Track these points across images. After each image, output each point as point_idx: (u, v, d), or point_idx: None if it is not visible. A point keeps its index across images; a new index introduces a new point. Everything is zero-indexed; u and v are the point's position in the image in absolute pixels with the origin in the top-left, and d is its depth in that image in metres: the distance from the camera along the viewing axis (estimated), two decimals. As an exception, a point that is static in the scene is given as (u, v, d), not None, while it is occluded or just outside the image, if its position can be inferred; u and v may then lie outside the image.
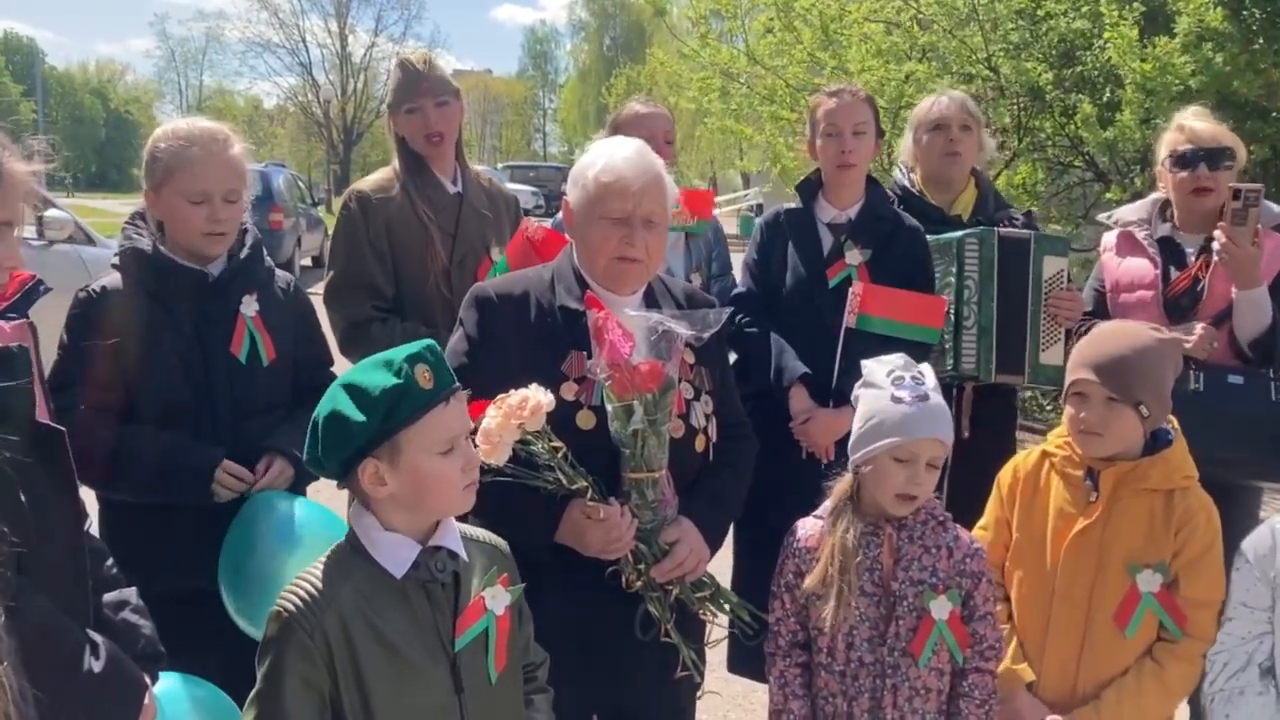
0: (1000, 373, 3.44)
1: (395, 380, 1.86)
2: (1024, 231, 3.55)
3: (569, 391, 2.39)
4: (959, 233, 3.49)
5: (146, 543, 2.55)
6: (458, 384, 1.97)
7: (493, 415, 2.18)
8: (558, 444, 2.28)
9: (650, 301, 2.56)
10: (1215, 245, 3.20)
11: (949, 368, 3.40)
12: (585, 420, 2.39)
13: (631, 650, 2.42)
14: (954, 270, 3.46)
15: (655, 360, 2.31)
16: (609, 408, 2.33)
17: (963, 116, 3.67)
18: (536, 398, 2.20)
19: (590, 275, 2.51)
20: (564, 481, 2.29)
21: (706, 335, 2.41)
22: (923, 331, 3.29)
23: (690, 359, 2.49)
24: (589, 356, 2.41)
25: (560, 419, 2.27)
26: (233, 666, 2.38)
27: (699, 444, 2.52)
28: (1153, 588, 2.47)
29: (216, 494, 2.64)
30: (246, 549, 2.56)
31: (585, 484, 2.32)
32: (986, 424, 3.56)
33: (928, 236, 3.51)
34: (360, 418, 1.86)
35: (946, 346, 3.44)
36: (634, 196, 2.42)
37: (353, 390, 1.89)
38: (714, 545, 2.51)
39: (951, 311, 3.43)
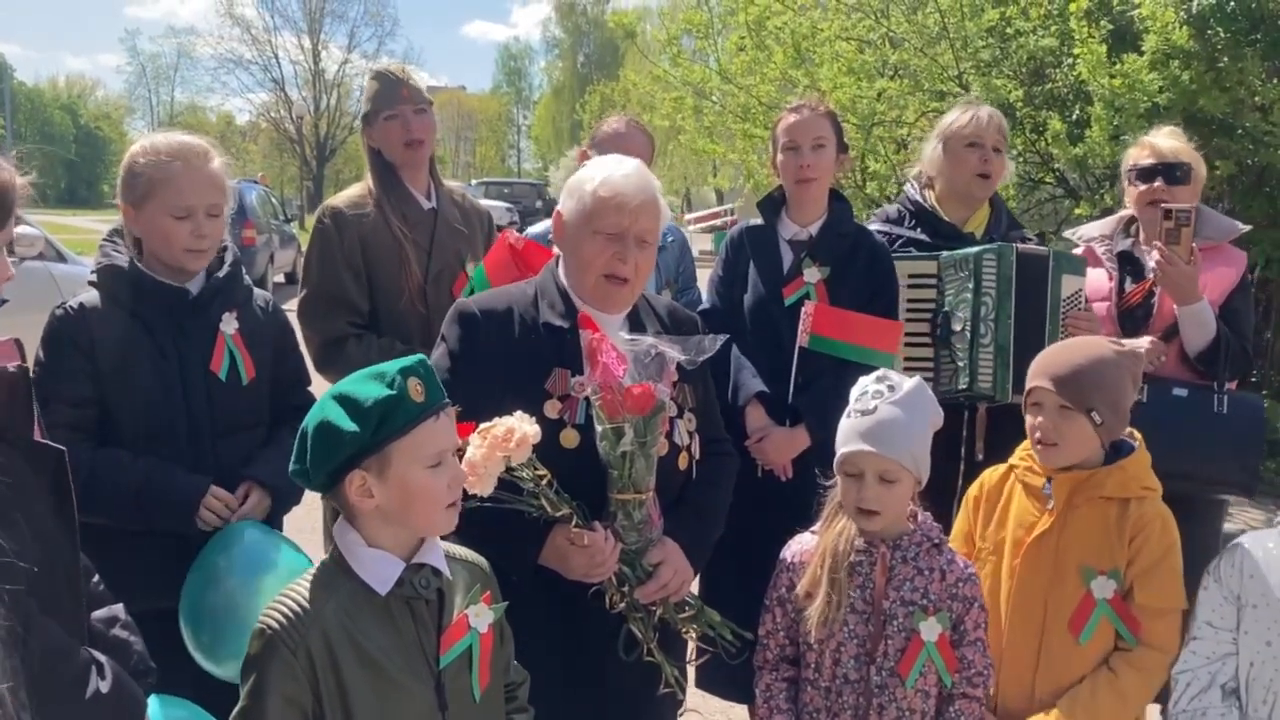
0: (1017, 393, 3.21)
1: (388, 391, 1.87)
2: (1042, 249, 3.44)
3: (552, 409, 2.38)
4: (977, 248, 3.39)
5: (120, 563, 2.52)
6: (448, 399, 1.98)
7: (478, 446, 2.16)
8: (542, 472, 2.27)
9: (634, 318, 2.57)
10: (1151, 264, 3.25)
11: (963, 386, 3.32)
12: (569, 439, 2.38)
13: (613, 669, 2.42)
14: (970, 286, 3.35)
15: (647, 383, 2.31)
16: (599, 428, 2.32)
17: (996, 137, 3.55)
18: (523, 429, 2.18)
19: (578, 292, 2.50)
20: (548, 509, 2.29)
21: (700, 360, 2.41)
22: (876, 356, 3.19)
23: (674, 376, 2.49)
24: (573, 374, 2.40)
25: (544, 437, 2.25)
26: (206, 685, 2.36)
27: (682, 461, 2.52)
28: (1107, 594, 2.50)
29: (203, 521, 2.62)
30: (210, 586, 2.52)
31: (569, 510, 2.31)
32: (1004, 450, 3.24)
33: (943, 252, 3.44)
34: (352, 427, 1.86)
35: (961, 364, 3.34)
36: (631, 214, 2.43)
37: (344, 400, 1.89)
38: (697, 565, 2.51)
39: (967, 329, 3.34)
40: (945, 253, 3.43)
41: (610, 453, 2.32)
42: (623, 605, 2.38)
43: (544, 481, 2.28)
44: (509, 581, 2.27)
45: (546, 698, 2.32)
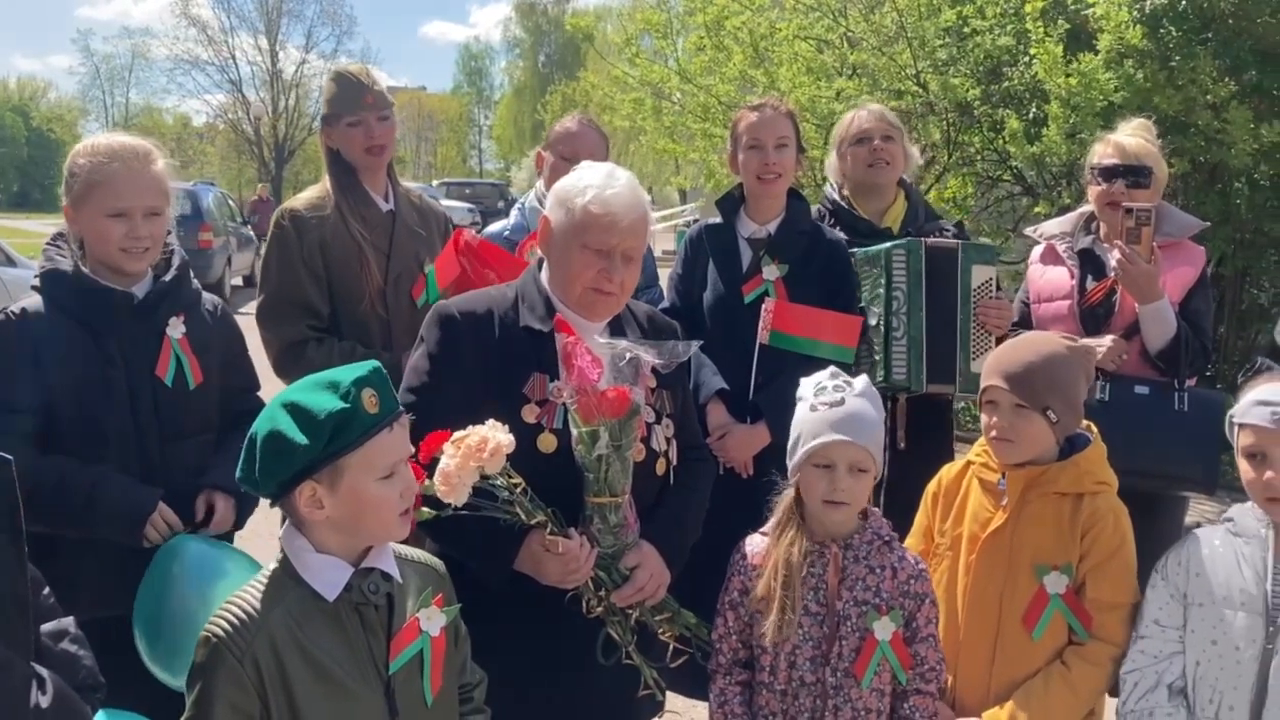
0: (931, 383, 3.41)
1: (341, 404, 1.83)
2: (951, 241, 3.53)
3: (530, 414, 2.36)
4: (887, 244, 3.47)
5: (66, 571, 2.47)
6: (401, 409, 1.95)
7: (451, 456, 2.13)
8: (517, 480, 2.25)
9: (614, 326, 2.55)
10: (1112, 262, 3.28)
11: (880, 379, 3.37)
12: (546, 444, 2.35)
13: (590, 673, 2.40)
14: (883, 281, 3.43)
15: (622, 386, 2.29)
16: (574, 432, 2.30)
17: (883, 127, 3.69)
18: (496, 439, 2.15)
19: (562, 299, 2.48)
20: (523, 516, 2.26)
21: (674, 364, 2.40)
22: (836, 350, 3.27)
23: (652, 383, 2.48)
24: (551, 379, 2.38)
25: (521, 442, 2.22)
26: (153, 695, 2.32)
27: (659, 467, 2.51)
28: (1059, 589, 2.51)
29: (147, 538, 2.58)
30: (163, 598, 2.49)
31: (544, 517, 2.29)
32: (923, 438, 3.53)
33: (857, 250, 3.50)
34: (303, 441, 1.82)
35: (877, 358, 3.42)
36: (620, 233, 2.40)
37: (296, 411, 1.84)
38: (674, 568, 2.49)
39: (881, 323, 3.42)
40: (859, 250, 3.50)
41: (586, 456, 2.30)
42: (600, 609, 2.37)
43: (518, 489, 2.25)
44: (486, 589, 2.25)
45: (523, 703, 2.31)
